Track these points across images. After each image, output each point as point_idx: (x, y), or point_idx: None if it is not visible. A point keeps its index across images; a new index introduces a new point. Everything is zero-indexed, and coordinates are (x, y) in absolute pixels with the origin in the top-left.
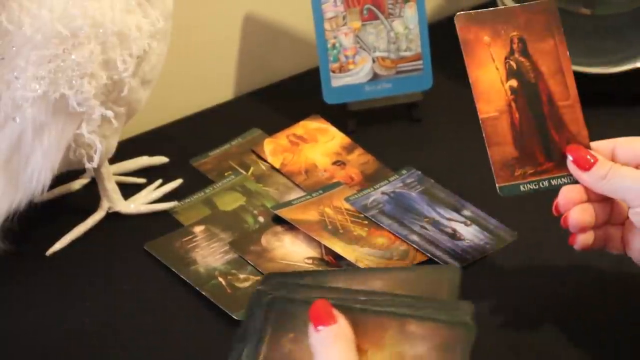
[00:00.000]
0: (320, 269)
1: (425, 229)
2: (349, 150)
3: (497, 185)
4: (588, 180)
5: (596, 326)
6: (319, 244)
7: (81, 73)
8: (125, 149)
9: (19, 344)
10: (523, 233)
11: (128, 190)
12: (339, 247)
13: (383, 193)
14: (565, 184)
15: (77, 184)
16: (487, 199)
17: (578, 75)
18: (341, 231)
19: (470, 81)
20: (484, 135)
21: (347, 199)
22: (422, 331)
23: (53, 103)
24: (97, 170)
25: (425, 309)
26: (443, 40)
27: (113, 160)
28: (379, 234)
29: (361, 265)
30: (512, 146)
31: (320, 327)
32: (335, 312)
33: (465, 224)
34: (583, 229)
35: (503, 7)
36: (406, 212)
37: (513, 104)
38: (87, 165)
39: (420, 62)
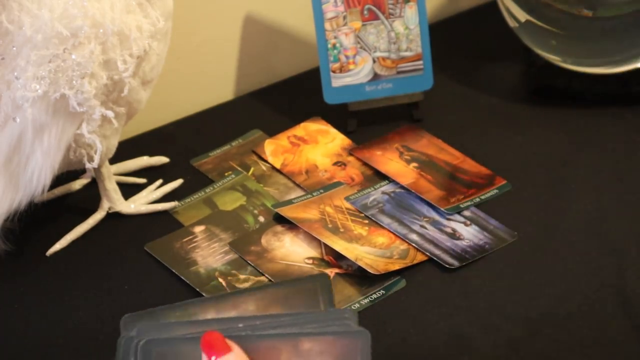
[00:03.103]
0: (180, 302)
1: (425, 228)
2: (349, 151)
3: (442, 208)
4: None
5: (597, 326)
6: (319, 243)
7: (81, 73)
8: (126, 149)
9: (19, 343)
10: (523, 233)
11: (128, 190)
12: (339, 245)
13: (383, 192)
14: (493, 195)
15: (77, 184)
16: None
17: (578, 75)
18: (341, 230)
19: (384, 172)
20: (414, 190)
21: (347, 198)
22: (318, 347)
23: (53, 103)
24: (97, 170)
25: (312, 324)
26: (443, 40)
27: (113, 160)
28: (379, 233)
29: (361, 264)
30: (437, 191)
31: (215, 359)
32: (228, 341)
33: (465, 224)
34: None
35: None
36: (406, 211)
37: (422, 173)
38: (88, 166)
39: (421, 62)
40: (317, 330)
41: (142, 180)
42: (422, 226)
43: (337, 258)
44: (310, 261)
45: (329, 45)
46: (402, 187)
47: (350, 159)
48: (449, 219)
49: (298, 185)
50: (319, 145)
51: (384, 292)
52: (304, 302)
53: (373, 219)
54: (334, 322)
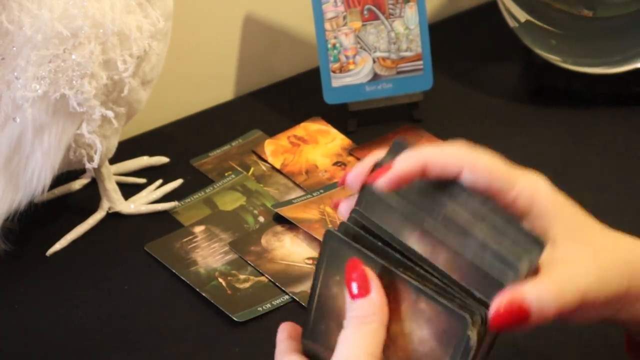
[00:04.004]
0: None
1: None
2: (349, 151)
3: None
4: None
5: (597, 326)
6: (320, 243)
7: (81, 73)
8: (126, 149)
9: (19, 343)
10: None
11: (128, 190)
12: None
13: None
14: None
15: (77, 184)
16: None
17: (578, 75)
18: None
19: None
20: None
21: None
22: (428, 313)
23: (53, 103)
24: (97, 170)
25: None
26: (443, 40)
27: (113, 160)
28: None
29: None
30: None
31: (355, 295)
32: (371, 277)
33: None
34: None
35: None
36: None
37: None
38: (88, 166)
39: (421, 62)
40: (438, 296)
41: (142, 181)
42: None
43: None
44: (310, 261)
45: (329, 46)
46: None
47: (350, 159)
48: None
49: (298, 186)
50: (319, 145)
51: None
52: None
53: None
54: (463, 298)
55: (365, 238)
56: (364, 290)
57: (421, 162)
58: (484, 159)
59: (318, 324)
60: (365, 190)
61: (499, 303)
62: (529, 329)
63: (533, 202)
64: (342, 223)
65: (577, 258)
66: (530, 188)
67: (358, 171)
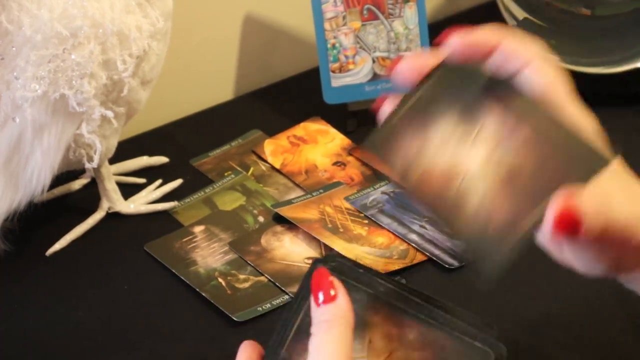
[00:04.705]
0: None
1: (425, 228)
2: (349, 151)
3: None
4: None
5: (597, 326)
6: (319, 243)
7: (81, 73)
8: (125, 149)
9: (19, 344)
10: None
11: (128, 190)
12: (338, 245)
13: (383, 193)
14: None
15: (77, 184)
16: None
17: (578, 75)
18: (341, 230)
19: (384, 172)
20: None
21: (347, 198)
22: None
23: (53, 103)
24: (97, 170)
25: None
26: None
27: (113, 160)
28: (379, 233)
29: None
30: None
31: (322, 302)
32: (337, 285)
33: None
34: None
35: None
36: (405, 211)
37: None
38: (87, 166)
39: None
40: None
41: (142, 180)
42: (421, 226)
43: None
44: (310, 261)
45: (329, 45)
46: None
47: (350, 159)
48: None
49: (298, 185)
50: (319, 145)
51: None
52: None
53: (373, 219)
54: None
55: (354, 270)
56: (331, 297)
57: (497, 38)
58: (550, 71)
59: (290, 352)
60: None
61: (556, 208)
62: (575, 242)
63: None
64: (329, 255)
65: (621, 194)
66: (580, 125)
67: (414, 61)
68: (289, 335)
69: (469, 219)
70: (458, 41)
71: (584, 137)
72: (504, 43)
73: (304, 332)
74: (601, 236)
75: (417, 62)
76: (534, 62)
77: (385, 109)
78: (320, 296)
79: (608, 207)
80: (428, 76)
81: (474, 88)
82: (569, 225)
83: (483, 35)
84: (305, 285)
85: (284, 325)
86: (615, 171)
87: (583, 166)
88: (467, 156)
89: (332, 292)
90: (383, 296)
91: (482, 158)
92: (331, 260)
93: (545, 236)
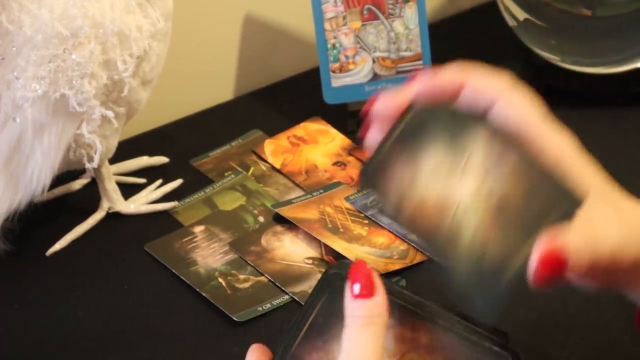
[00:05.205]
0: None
1: None
2: (349, 151)
3: None
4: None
5: (597, 326)
6: (319, 244)
7: (81, 73)
8: (125, 149)
9: (19, 344)
10: None
11: (128, 190)
12: (339, 245)
13: None
14: None
15: (77, 184)
16: None
17: (578, 75)
18: (341, 230)
19: None
20: None
21: (347, 198)
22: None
23: (53, 103)
24: (97, 170)
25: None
26: (443, 40)
27: (113, 160)
28: (379, 233)
29: None
30: None
31: (357, 295)
32: (376, 280)
33: None
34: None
35: None
36: None
37: None
38: (87, 166)
39: (421, 62)
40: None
41: (142, 180)
42: None
43: (337, 258)
44: (310, 261)
45: (329, 45)
46: None
47: (350, 159)
48: None
49: (298, 185)
50: (319, 145)
51: None
52: None
53: (373, 219)
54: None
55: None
56: (369, 291)
57: (463, 77)
58: (520, 101)
59: (302, 353)
60: (406, 115)
61: (539, 251)
62: (561, 283)
63: (559, 162)
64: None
65: (608, 219)
66: (559, 149)
67: (389, 100)
68: (299, 335)
69: (463, 254)
70: (423, 84)
71: (556, 176)
72: (470, 81)
73: (316, 332)
74: (590, 269)
75: (393, 101)
76: (501, 96)
77: (371, 137)
78: (356, 288)
79: (593, 240)
80: (407, 111)
81: (450, 124)
82: (554, 268)
83: (447, 75)
84: (319, 289)
85: (295, 326)
86: (600, 194)
87: (560, 206)
88: (457, 187)
89: (370, 287)
90: (398, 299)
91: (473, 188)
92: (345, 267)
93: (532, 277)
